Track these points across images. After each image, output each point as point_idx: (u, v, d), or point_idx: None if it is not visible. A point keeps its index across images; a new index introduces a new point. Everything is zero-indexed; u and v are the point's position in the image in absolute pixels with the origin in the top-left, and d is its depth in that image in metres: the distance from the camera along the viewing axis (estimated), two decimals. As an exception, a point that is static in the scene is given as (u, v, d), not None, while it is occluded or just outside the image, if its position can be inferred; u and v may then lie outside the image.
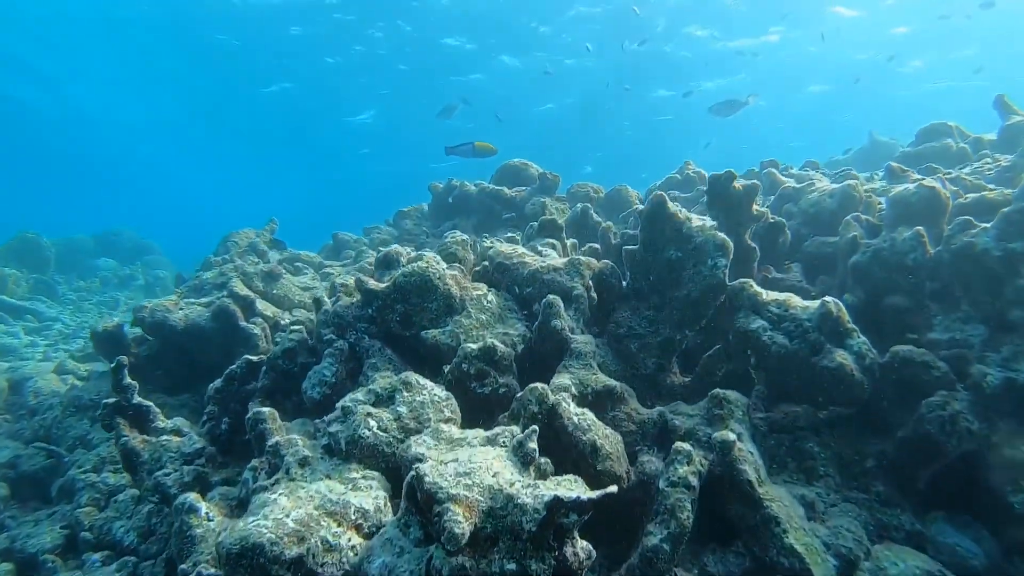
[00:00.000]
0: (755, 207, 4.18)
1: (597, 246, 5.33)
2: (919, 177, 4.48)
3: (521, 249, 4.14)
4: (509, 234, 5.76)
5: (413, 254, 4.08)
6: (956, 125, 8.93)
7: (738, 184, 4.08)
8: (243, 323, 5.53)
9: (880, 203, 5.52)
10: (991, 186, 6.08)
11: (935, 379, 3.43)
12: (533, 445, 2.42)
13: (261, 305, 5.89)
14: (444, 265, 3.93)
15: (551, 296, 3.56)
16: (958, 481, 3.42)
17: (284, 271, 6.79)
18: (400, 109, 35.73)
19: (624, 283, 4.15)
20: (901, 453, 3.41)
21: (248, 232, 9.24)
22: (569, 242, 5.05)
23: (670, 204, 3.91)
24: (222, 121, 40.26)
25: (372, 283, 3.74)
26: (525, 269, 3.93)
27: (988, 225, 3.83)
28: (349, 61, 30.83)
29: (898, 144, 19.77)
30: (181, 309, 5.64)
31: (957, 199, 4.50)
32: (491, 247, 4.79)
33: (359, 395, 3.16)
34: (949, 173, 6.49)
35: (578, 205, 6.25)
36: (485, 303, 3.78)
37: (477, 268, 4.39)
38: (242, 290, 5.80)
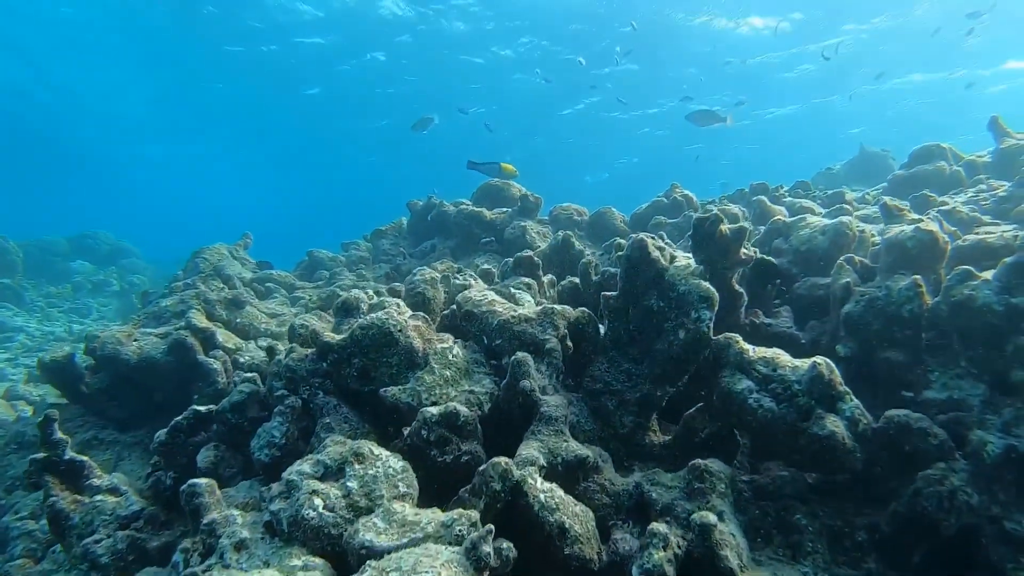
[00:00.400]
0: (743, 251, 3.94)
1: (577, 280, 5.09)
2: (916, 217, 4.27)
3: (491, 295, 3.88)
4: (485, 265, 5.50)
5: (376, 299, 3.82)
6: (949, 147, 8.78)
7: (724, 228, 3.85)
8: (202, 357, 5.24)
9: (874, 236, 5.31)
10: (987, 218, 5.90)
11: (932, 448, 3.21)
12: (487, 549, 2.17)
13: (223, 336, 5.60)
14: (408, 313, 3.68)
15: (520, 355, 3.30)
16: (956, 557, 3.20)
17: (250, 298, 6.50)
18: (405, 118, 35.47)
19: (602, 330, 3.90)
20: (895, 528, 3.18)
21: (219, 248, 8.94)
22: (547, 278, 4.81)
23: (652, 248, 3.67)
24: (219, 122, 39.81)
25: (328, 335, 3.47)
26: (495, 319, 3.67)
27: (989, 276, 3.62)
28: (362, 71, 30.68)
29: (889, 155, 19.79)
30: (135, 341, 5.34)
31: (955, 241, 4.29)
32: (463, 284, 4.54)
33: (306, 467, 2.89)
34: (944, 203, 6.30)
35: (559, 233, 6.01)
36: (450, 357, 3.52)
37: (446, 311, 4.13)
38: (201, 321, 5.50)
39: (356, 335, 3.40)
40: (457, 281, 4.58)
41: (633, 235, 3.82)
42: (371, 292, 4.34)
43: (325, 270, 8.50)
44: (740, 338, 3.48)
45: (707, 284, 3.50)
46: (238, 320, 6.10)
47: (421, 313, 3.71)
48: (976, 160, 8.49)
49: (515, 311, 3.68)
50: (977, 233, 5.35)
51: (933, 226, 3.90)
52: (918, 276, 3.74)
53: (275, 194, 66.83)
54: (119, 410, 5.47)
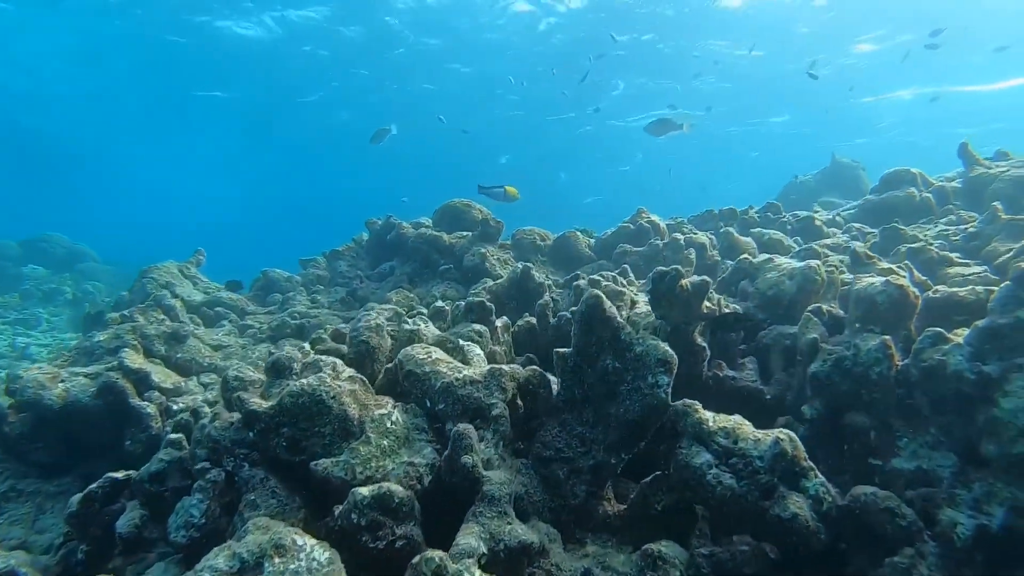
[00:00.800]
0: (705, 305, 3.76)
1: (534, 321, 4.87)
2: (885, 267, 4.12)
3: (435, 354, 3.63)
4: (440, 302, 5.25)
5: (311, 357, 3.56)
6: (919, 172, 8.73)
7: (685, 282, 3.65)
8: (134, 401, 4.93)
9: (843, 274, 5.18)
10: (956, 255, 5.80)
11: (900, 529, 3.04)
12: None
13: (159, 375, 5.28)
14: (346, 374, 3.42)
15: (462, 427, 3.07)
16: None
17: (192, 328, 6.17)
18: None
19: (555, 389, 3.69)
20: (863, 617, 3.01)
21: (169, 266, 8.59)
22: (500, 322, 4.58)
23: (607, 306, 3.46)
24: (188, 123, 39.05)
25: (254, 401, 3.21)
26: (438, 380, 3.43)
27: (960, 338, 3.47)
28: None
29: (859, 166, 19.93)
30: (62, 382, 5.00)
31: (925, 292, 4.15)
32: (411, 331, 4.29)
33: (220, 561, 2.62)
34: (915, 238, 6.20)
35: (519, 266, 5.79)
36: (389, 424, 3.27)
37: (389, 365, 3.88)
38: (135, 361, 5.18)
39: (285, 403, 3.14)
40: (406, 327, 4.33)
41: (590, 286, 3.61)
42: (307, 348, 4.08)
43: (280, 292, 8.17)
44: (699, 406, 3.29)
45: (665, 346, 3.30)
46: (179, 355, 5.78)
47: (359, 376, 3.45)
48: (945, 187, 8.45)
49: (460, 372, 3.44)
50: (948, 275, 5.24)
51: (903, 280, 3.75)
52: (887, 337, 3.58)
53: (246, 193, 65.62)
54: (44, 455, 5.12)
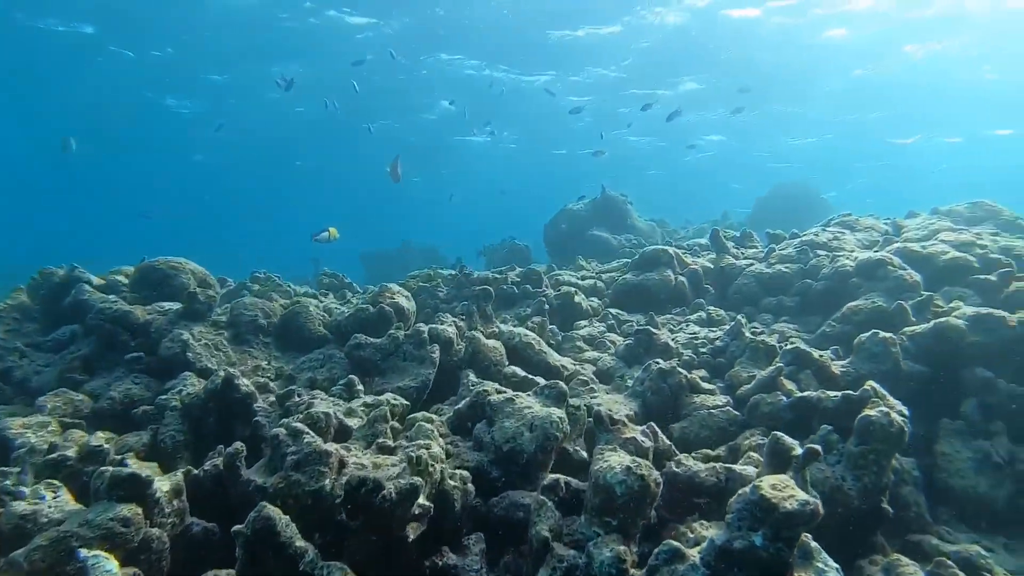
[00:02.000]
0: (419, 504, 3.04)
1: (222, 465, 3.85)
2: (628, 437, 3.72)
3: None
4: (96, 441, 4.01)
5: None
6: (675, 252, 8.94)
7: (388, 492, 2.90)
8: None
9: (598, 406, 4.82)
10: (702, 375, 5.75)
11: None
12: None
13: None
14: None
15: None
16: None
17: None
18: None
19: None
20: None
21: None
22: (168, 485, 3.49)
23: (282, 528, 2.59)
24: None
25: None
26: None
27: (696, 554, 3.10)
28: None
29: (627, 201, 21.03)
30: None
31: (669, 465, 3.81)
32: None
33: None
34: (665, 349, 6.10)
35: (220, 372, 4.71)
36: None
37: None
38: None
39: None
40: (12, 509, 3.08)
41: (262, 510, 2.72)
42: None
43: None
44: None
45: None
46: None
47: None
48: (699, 270, 8.74)
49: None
50: (692, 404, 5.09)
51: (645, 468, 3.33)
52: (623, 548, 3.13)
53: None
54: None
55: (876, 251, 7.91)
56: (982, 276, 6.87)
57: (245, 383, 4.90)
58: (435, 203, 46.47)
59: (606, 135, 28.31)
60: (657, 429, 4.05)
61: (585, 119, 34.36)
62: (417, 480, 3.02)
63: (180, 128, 37.67)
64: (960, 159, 43.35)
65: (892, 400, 4.31)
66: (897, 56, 28.24)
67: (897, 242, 8.22)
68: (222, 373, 4.84)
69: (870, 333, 5.50)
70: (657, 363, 5.38)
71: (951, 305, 6.38)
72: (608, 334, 7.10)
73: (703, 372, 5.81)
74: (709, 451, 4.68)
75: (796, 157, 43.28)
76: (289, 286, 9.90)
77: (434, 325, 5.97)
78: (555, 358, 6.05)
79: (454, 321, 6.38)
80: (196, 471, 3.90)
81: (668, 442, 4.10)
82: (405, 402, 5.03)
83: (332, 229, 10.19)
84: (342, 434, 4.23)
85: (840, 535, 3.92)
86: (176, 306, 6.13)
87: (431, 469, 3.52)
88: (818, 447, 3.22)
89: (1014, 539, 4.91)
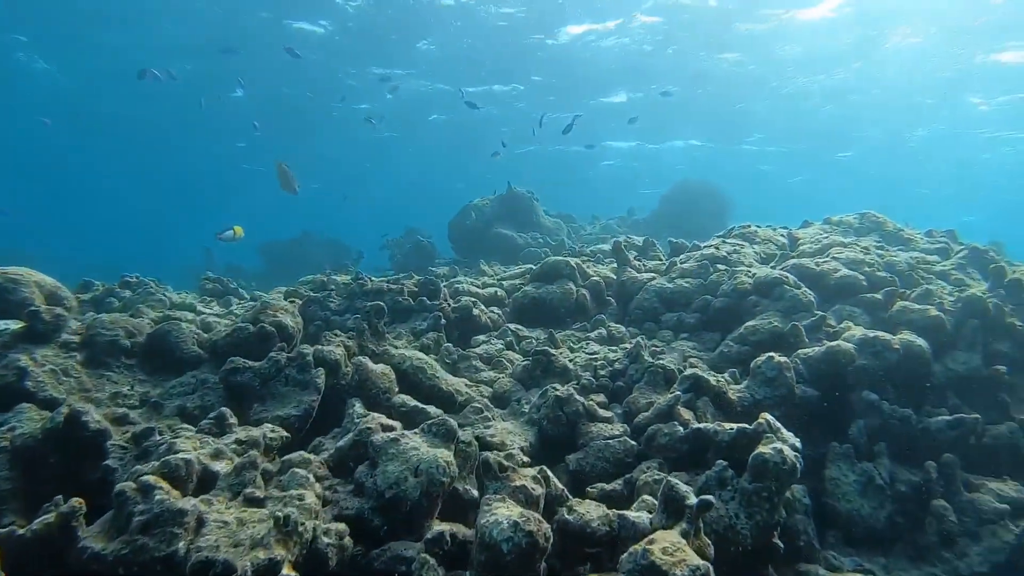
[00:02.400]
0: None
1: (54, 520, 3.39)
2: (518, 485, 3.53)
3: None
4: None
5: None
6: (577, 263, 8.85)
7: None
8: None
9: (493, 437, 4.59)
10: (600, 400, 5.64)
11: None
12: None
13: None
14: None
15: None
16: None
17: None
18: None
19: None
20: None
21: None
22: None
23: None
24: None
25: None
26: None
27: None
28: None
29: (533, 198, 20.98)
30: None
31: (561, 511, 3.64)
32: None
33: None
34: (564, 371, 5.96)
35: (62, 409, 4.18)
36: None
37: None
38: None
39: None
40: None
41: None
42: None
43: None
44: None
45: None
46: None
47: None
48: (602, 285, 8.69)
49: None
50: (589, 433, 4.96)
51: (534, 523, 3.14)
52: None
53: None
54: None
55: (773, 266, 8.08)
56: (869, 295, 7.10)
57: (95, 419, 4.38)
58: (340, 197, 44.94)
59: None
60: (549, 473, 3.86)
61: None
62: (278, 554, 2.71)
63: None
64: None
65: (785, 433, 4.29)
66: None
67: (793, 257, 8.42)
68: (64, 409, 4.32)
69: (765, 357, 5.53)
70: (555, 389, 5.23)
71: (842, 326, 6.55)
72: (507, 352, 6.91)
73: (601, 397, 5.69)
74: (605, 485, 4.57)
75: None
76: (166, 292, 9.16)
77: (319, 347, 5.59)
78: (449, 381, 5.80)
79: (342, 341, 6.00)
80: (21, 531, 3.41)
81: (560, 486, 3.91)
82: (285, 434, 4.66)
83: (237, 228, 9.88)
84: (207, 482, 3.83)
85: (731, 573, 3.86)
86: (14, 325, 5.48)
87: (301, 528, 3.21)
88: (711, 499, 3.12)
89: (891, 558, 5.08)
